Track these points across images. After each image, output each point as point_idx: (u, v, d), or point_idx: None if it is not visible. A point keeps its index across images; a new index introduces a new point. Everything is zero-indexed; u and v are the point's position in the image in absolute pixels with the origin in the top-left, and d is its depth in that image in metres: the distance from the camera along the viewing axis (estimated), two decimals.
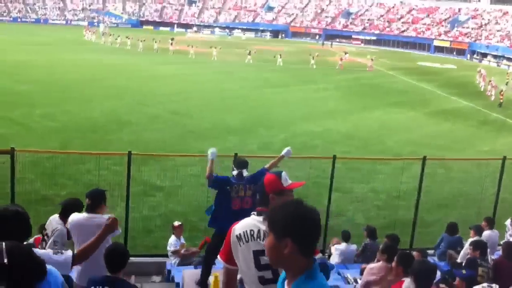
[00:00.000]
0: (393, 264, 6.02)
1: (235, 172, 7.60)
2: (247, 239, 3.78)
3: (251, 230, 3.79)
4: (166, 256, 10.04)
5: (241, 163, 7.69)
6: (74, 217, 6.32)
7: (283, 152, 8.09)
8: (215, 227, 7.74)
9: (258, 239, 3.78)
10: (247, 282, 3.87)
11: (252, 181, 7.56)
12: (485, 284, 6.99)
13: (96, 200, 6.30)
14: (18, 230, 3.90)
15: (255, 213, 3.91)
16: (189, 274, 7.90)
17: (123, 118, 24.29)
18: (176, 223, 10.10)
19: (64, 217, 6.56)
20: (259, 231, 3.79)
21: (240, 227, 3.83)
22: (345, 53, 66.62)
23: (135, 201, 9.65)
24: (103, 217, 6.25)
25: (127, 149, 10.75)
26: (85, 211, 6.31)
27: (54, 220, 6.69)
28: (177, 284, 8.67)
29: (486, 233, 9.45)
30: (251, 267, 3.79)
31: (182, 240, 9.94)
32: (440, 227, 12.53)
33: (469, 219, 12.12)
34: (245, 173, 7.61)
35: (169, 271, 9.51)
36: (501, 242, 9.59)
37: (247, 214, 7.41)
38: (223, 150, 18.12)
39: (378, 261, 7.23)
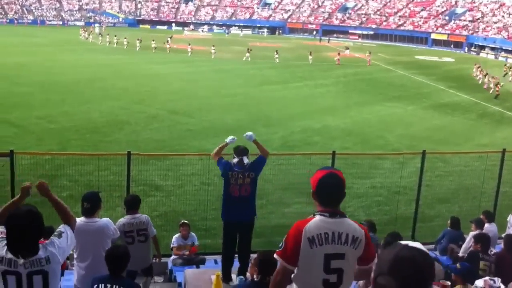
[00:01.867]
0: None
1: (235, 160, 7.63)
2: (321, 242, 3.70)
3: (325, 233, 3.71)
4: (168, 256, 10.03)
5: (241, 151, 7.70)
6: None
7: (244, 135, 8.09)
8: (222, 216, 7.83)
9: (334, 243, 3.72)
10: (305, 284, 3.80)
11: (252, 169, 7.58)
12: (487, 278, 6.99)
13: (94, 204, 6.30)
14: (33, 230, 3.97)
15: (318, 213, 3.81)
16: (191, 274, 7.89)
17: (122, 118, 24.25)
18: (181, 222, 10.09)
19: (135, 211, 7.71)
20: (337, 234, 3.73)
21: (312, 229, 3.72)
22: (346, 48, 66.61)
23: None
24: (101, 221, 6.27)
25: (127, 150, 10.74)
26: (83, 215, 6.29)
27: (132, 219, 7.57)
28: (179, 284, 8.67)
29: (485, 227, 9.45)
30: (318, 270, 3.74)
31: (185, 241, 9.90)
32: (441, 221, 12.56)
33: (470, 213, 12.12)
34: (246, 160, 7.65)
35: (171, 271, 9.51)
36: (503, 236, 9.59)
37: (245, 201, 7.48)
38: None
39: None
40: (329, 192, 3.86)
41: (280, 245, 3.81)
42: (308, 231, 3.71)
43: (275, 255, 3.87)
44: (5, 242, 4.05)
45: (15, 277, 3.98)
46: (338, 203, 3.89)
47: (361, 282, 6.13)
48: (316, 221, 3.77)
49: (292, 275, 3.85)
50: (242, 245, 7.73)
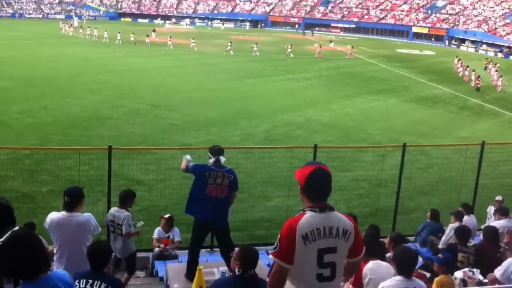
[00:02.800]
0: None
1: (211, 160, 7.63)
2: (314, 238, 3.73)
3: (317, 229, 3.74)
4: (150, 251, 10.00)
5: (217, 150, 7.70)
6: (53, 216, 6.27)
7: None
8: (191, 213, 7.80)
9: (326, 237, 3.75)
10: (299, 280, 3.83)
11: (231, 171, 7.57)
12: (466, 269, 7.10)
13: (75, 199, 6.26)
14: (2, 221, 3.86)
15: (308, 209, 3.83)
16: (173, 268, 7.89)
17: (103, 113, 24.05)
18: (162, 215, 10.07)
19: (123, 205, 8.21)
20: (328, 228, 3.77)
21: (305, 226, 3.73)
22: (330, 42, 66.75)
23: (116, 196, 9.56)
24: (82, 216, 6.24)
25: (108, 144, 10.66)
26: (64, 209, 6.25)
27: (117, 212, 8.14)
28: (161, 278, 8.67)
29: (464, 219, 9.57)
30: (312, 265, 3.77)
31: (165, 234, 9.87)
32: (421, 213, 12.68)
33: (450, 205, 12.27)
34: (223, 159, 7.65)
35: (153, 265, 9.50)
36: (482, 227, 9.72)
37: (221, 203, 7.48)
38: (205, 142, 18.17)
39: None
40: (318, 188, 3.89)
41: (275, 245, 3.82)
42: (301, 229, 3.73)
43: (270, 256, 3.88)
44: None
45: None
46: (326, 198, 3.93)
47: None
48: (308, 218, 3.79)
49: None
50: (224, 246, 7.73)
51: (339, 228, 3.82)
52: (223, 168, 7.60)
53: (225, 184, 7.53)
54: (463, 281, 6.79)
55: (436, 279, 6.57)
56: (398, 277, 5.27)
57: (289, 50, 52.75)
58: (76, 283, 4.94)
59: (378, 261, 5.87)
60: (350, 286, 5.81)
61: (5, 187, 12.29)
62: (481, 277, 6.88)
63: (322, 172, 3.91)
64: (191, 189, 7.80)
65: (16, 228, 3.60)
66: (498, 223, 9.01)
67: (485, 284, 6.73)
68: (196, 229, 7.83)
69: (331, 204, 3.92)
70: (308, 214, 3.82)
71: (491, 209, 11.10)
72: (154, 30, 65.25)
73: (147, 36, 57.81)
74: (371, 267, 5.80)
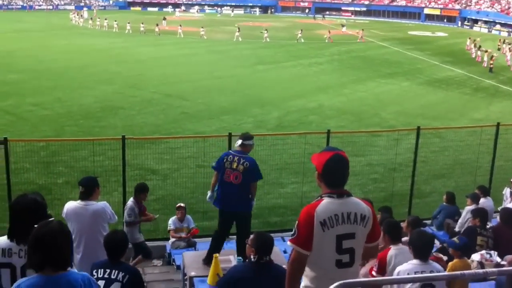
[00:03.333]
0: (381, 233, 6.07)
1: (238, 143, 7.73)
2: (332, 224, 3.73)
3: (335, 215, 3.74)
4: (167, 239, 10.06)
5: (244, 135, 7.85)
6: (69, 205, 6.37)
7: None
8: (215, 205, 7.96)
9: (344, 223, 3.76)
10: (319, 266, 3.83)
11: (248, 159, 7.58)
12: (483, 251, 7.06)
13: (89, 188, 6.34)
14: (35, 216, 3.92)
15: (326, 195, 3.83)
16: (189, 256, 7.93)
17: (116, 103, 24.13)
18: (177, 205, 10.08)
19: (136, 197, 8.90)
20: (347, 214, 3.77)
21: (323, 212, 3.74)
22: (343, 26, 66.20)
23: (132, 186, 9.62)
24: (97, 204, 6.30)
25: (121, 134, 10.71)
26: (79, 199, 6.33)
27: (129, 202, 8.92)
28: (178, 267, 8.73)
29: (481, 202, 9.50)
30: (331, 251, 3.77)
31: (181, 223, 9.90)
32: (437, 196, 12.63)
33: (466, 188, 12.17)
34: (249, 143, 7.75)
35: (170, 254, 9.56)
36: (498, 209, 9.65)
37: (236, 189, 7.51)
38: (218, 131, 18.20)
39: None
40: (336, 174, 3.88)
41: (292, 232, 3.82)
42: (319, 215, 3.73)
43: (288, 243, 3.89)
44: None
45: (9, 270, 3.96)
46: (344, 184, 3.92)
47: (363, 270, 6.17)
48: (325, 204, 3.79)
49: None
50: (240, 234, 7.75)
51: (357, 214, 3.82)
52: (243, 154, 7.63)
53: (240, 170, 7.52)
54: (481, 264, 6.75)
55: (450, 263, 6.55)
56: (415, 261, 5.26)
57: (299, 35, 52.37)
58: (94, 273, 4.98)
59: (401, 246, 5.83)
60: (374, 273, 5.80)
61: (21, 179, 12.38)
62: (498, 259, 6.84)
63: (339, 158, 3.89)
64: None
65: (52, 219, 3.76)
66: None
67: (503, 266, 6.69)
68: (220, 219, 7.95)
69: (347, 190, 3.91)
70: (326, 200, 3.81)
71: (507, 191, 11.01)
72: (164, 19, 65.09)
73: (157, 25, 57.72)
74: (395, 253, 5.77)
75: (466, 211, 9.21)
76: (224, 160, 7.58)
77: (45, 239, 3.33)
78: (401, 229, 6.18)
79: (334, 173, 3.86)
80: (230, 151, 7.84)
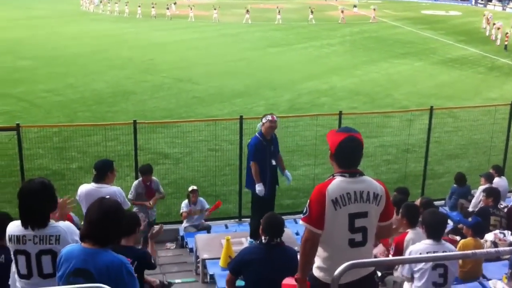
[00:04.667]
0: (399, 216, 6.03)
1: (260, 124, 7.84)
2: (344, 203, 3.72)
3: (347, 193, 3.73)
4: (180, 223, 10.10)
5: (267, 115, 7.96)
6: (83, 188, 6.43)
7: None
8: (250, 188, 7.99)
9: (357, 202, 3.74)
10: (331, 245, 3.82)
11: (274, 137, 7.92)
12: (497, 231, 7.01)
13: (101, 171, 6.40)
14: (45, 200, 4.00)
15: (338, 174, 3.82)
16: (202, 239, 7.98)
17: (128, 88, 24.18)
18: (190, 188, 10.05)
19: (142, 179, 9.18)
20: (359, 192, 3.76)
21: (334, 191, 3.73)
22: (354, 6, 65.38)
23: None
24: (110, 188, 6.33)
25: (133, 119, 10.73)
26: (92, 181, 6.40)
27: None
28: (191, 249, 8.78)
29: (495, 181, 9.41)
30: (343, 230, 3.76)
31: (194, 206, 9.91)
32: (451, 177, 12.48)
33: (480, 168, 12.10)
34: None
35: (182, 237, 9.62)
36: None
37: (274, 169, 7.67)
38: (230, 114, 18.18)
39: None
40: (349, 156, 3.86)
41: (304, 211, 3.80)
42: (330, 193, 3.71)
43: (301, 222, 3.88)
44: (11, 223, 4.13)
45: (25, 257, 4.00)
46: (357, 165, 3.89)
47: (376, 251, 6.15)
48: (337, 182, 3.77)
49: None
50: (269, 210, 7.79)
51: (369, 192, 3.79)
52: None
53: (276, 150, 7.94)
54: (494, 243, 6.71)
55: (461, 241, 6.51)
56: (428, 241, 5.23)
57: (311, 16, 51.88)
58: None
59: (419, 230, 5.78)
60: (390, 256, 5.79)
61: (35, 165, 12.51)
62: None
63: (353, 140, 3.86)
64: (247, 164, 8.07)
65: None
66: None
67: None
68: (257, 201, 8.00)
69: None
70: (338, 179, 3.79)
71: None
72: (175, 3, 64.75)
73: (167, 8, 57.41)
74: (412, 237, 5.74)
75: (480, 191, 9.13)
76: (262, 147, 7.75)
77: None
78: (419, 213, 6.13)
79: (347, 155, 3.84)
80: (255, 137, 7.85)
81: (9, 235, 4.03)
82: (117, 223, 3.57)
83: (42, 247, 3.96)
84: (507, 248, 4.54)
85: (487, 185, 9.08)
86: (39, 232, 3.96)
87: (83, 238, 3.54)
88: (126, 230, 5.09)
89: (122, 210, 3.71)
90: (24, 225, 3.99)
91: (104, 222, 3.48)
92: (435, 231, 5.26)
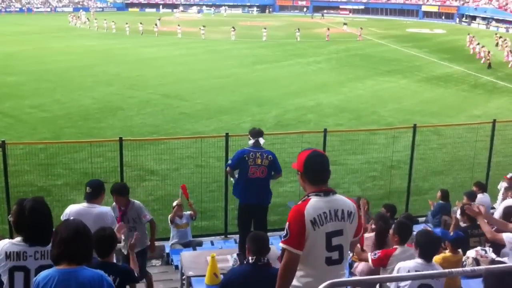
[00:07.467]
0: (391, 231, 6.08)
1: (251, 142, 7.87)
2: (322, 223, 3.77)
3: (324, 213, 3.79)
4: (166, 240, 10.07)
5: (256, 132, 7.96)
6: (73, 208, 6.34)
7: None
8: (237, 196, 8.09)
9: (332, 221, 3.81)
10: (309, 265, 3.87)
11: (269, 153, 7.86)
12: (478, 248, 7.09)
13: (96, 190, 6.36)
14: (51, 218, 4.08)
15: (313, 194, 3.87)
16: (187, 256, 7.97)
17: (115, 104, 24.17)
18: (174, 203, 9.95)
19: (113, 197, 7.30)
20: (334, 211, 3.83)
21: (312, 211, 3.78)
22: (344, 24, 66.09)
23: (131, 186, 9.60)
24: (102, 207, 6.31)
25: (120, 135, 10.74)
26: (85, 200, 6.35)
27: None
28: (176, 267, 8.77)
29: (478, 198, 9.52)
30: (321, 249, 3.81)
31: (181, 220, 9.86)
32: (435, 193, 12.60)
33: (464, 185, 12.23)
34: (262, 141, 7.91)
35: (168, 254, 9.59)
36: (494, 206, 9.69)
37: (263, 183, 7.62)
38: (216, 130, 18.24)
39: (372, 231, 7.30)
40: (317, 170, 3.94)
41: (284, 234, 3.83)
42: (309, 214, 3.77)
43: (281, 244, 3.89)
44: (8, 240, 4.12)
45: (23, 273, 3.98)
46: (327, 180, 3.96)
47: (359, 268, 6.19)
48: (313, 203, 3.83)
49: None
50: (259, 228, 7.77)
51: (343, 210, 3.88)
52: (262, 149, 7.85)
53: (265, 164, 7.77)
54: (476, 260, 6.79)
55: (441, 254, 6.58)
56: (419, 260, 5.28)
57: (297, 33, 52.38)
58: None
59: (407, 248, 5.80)
60: (371, 264, 5.85)
61: (21, 181, 12.43)
62: (494, 256, 6.87)
63: (319, 154, 4.01)
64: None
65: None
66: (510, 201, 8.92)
67: (498, 262, 6.71)
68: (240, 213, 8.09)
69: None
70: (314, 199, 3.86)
71: (502, 184, 11.02)
72: (159, 19, 64.92)
73: (155, 25, 57.70)
74: (400, 255, 5.71)
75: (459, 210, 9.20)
76: (246, 158, 7.72)
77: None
78: (411, 231, 6.18)
79: (315, 169, 3.92)
80: (245, 148, 7.91)
81: (6, 252, 4.00)
82: (88, 239, 3.64)
83: (43, 262, 3.96)
84: (483, 267, 4.62)
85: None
86: (41, 248, 3.99)
87: (56, 260, 3.52)
88: (105, 249, 5.11)
89: (87, 227, 3.72)
90: (30, 242, 4.00)
91: (77, 239, 3.52)
92: (426, 252, 5.32)
